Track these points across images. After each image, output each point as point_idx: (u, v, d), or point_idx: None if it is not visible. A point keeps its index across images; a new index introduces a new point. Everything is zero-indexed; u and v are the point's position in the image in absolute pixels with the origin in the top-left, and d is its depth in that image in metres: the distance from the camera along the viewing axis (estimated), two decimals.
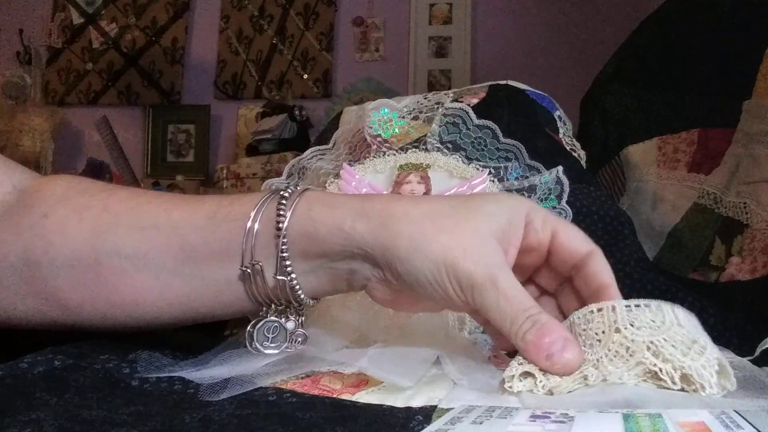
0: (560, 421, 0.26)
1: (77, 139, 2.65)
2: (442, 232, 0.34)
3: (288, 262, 0.36)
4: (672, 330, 0.31)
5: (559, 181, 0.54)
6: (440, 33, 2.46)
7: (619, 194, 0.79)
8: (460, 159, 0.55)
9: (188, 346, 0.40)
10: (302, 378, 0.36)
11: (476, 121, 0.57)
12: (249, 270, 0.37)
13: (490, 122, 0.57)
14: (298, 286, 0.37)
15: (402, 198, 0.39)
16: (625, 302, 0.33)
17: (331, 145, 0.61)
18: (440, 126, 0.58)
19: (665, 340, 0.31)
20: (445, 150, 0.56)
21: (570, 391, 0.32)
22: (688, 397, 0.30)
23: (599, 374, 0.32)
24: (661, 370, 0.31)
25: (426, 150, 0.56)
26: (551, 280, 0.39)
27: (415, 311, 0.43)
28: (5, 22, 2.65)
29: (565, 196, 0.53)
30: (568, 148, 0.64)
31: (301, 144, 2.06)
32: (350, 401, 0.32)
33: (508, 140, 0.57)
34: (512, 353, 0.35)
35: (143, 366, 0.35)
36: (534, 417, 0.27)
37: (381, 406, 0.31)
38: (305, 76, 2.52)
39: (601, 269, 0.36)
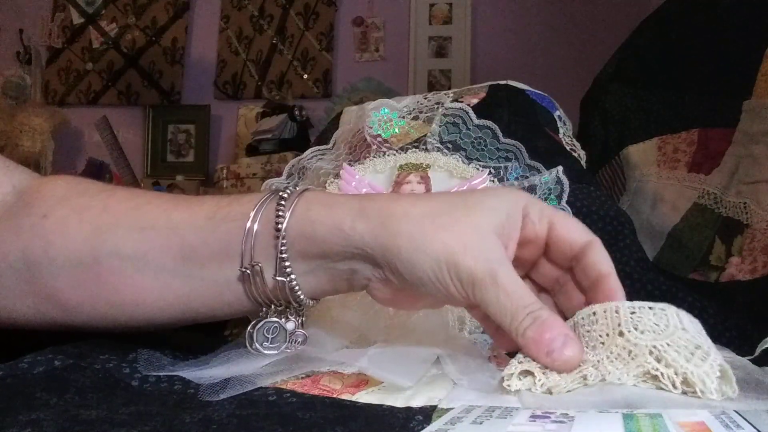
0: (560, 421, 0.26)
1: (77, 139, 2.65)
2: (442, 229, 0.34)
3: (287, 263, 0.36)
4: (676, 334, 0.31)
5: (559, 181, 0.54)
6: (440, 33, 2.47)
7: (619, 194, 0.79)
8: (460, 159, 0.55)
9: (188, 346, 0.40)
10: (302, 378, 0.36)
11: (476, 121, 0.57)
12: (248, 271, 0.37)
13: (490, 122, 0.57)
14: (297, 287, 0.37)
15: (401, 197, 0.39)
16: (629, 304, 0.33)
17: (331, 145, 0.61)
18: (440, 126, 0.58)
19: (668, 344, 0.31)
20: (445, 150, 0.56)
21: (569, 391, 0.32)
22: (688, 398, 0.30)
23: (598, 374, 0.32)
24: (662, 375, 0.31)
25: (426, 150, 0.56)
26: (549, 275, 0.39)
27: (415, 309, 0.43)
28: (5, 22, 2.65)
29: (565, 196, 0.53)
30: (568, 148, 0.64)
31: (301, 144, 2.06)
32: (350, 401, 0.32)
33: (508, 140, 0.57)
34: (512, 353, 0.35)
35: (143, 365, 0.35)
36: (534, 417, 0.27)
37: (381, 406, 0.31)
38: (305, 76, 2.52)
39: (599, 259, 0.36)
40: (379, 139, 0.58)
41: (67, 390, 0.31)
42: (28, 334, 0.39)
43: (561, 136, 0.65)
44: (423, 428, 0.27)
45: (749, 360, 0.39)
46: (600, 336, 0.32)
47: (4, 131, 2.40)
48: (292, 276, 0.37)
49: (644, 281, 0.55)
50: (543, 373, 0.32)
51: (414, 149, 0.56)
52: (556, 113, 0.67)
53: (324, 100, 2.49)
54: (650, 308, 0.33)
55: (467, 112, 0.58)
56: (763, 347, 0.41)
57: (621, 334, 0.32)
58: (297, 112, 2.20)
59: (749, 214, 0.64)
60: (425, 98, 0.61)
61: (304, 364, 0.37)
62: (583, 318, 0.34)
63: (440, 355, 0.39)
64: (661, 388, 0.31)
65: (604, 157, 0.82)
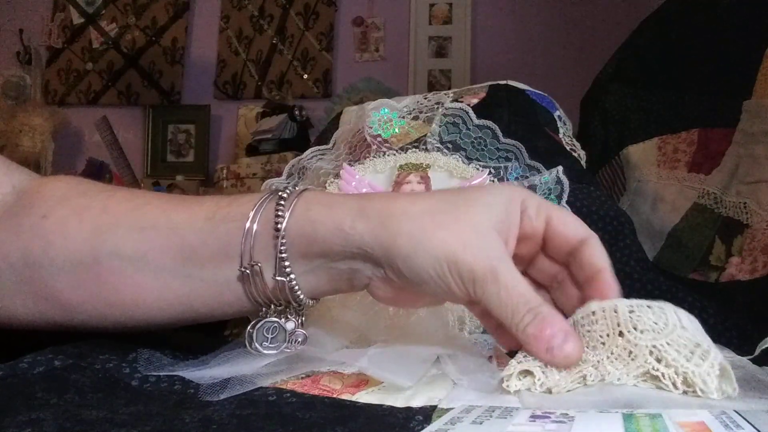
0: (560, 421, 0.26)
1: (77, 139, 2.65)
2: (442, 227, 0.34)
3: (287, 263, 0.36)
4: (675, 333, 0.31)
5: (559, 181, 0.54)
6: (440, 33, 2.46)
7: (619, 194, 0.79)
8: (460, 159, 0.55)
9: (188, 346, 0.40)
10: (302, 378, 0.36)
11: (476, 121, 0.57)
12: (248, 271, 0.37)
13: (490, 122, 0.57)
14: (297, 287, 0.37)
15: (400, 196, 0.39)
16: (627, 302, 0.33)
17: (331, 145, 0.61)
18: (440, 126, 0.58)
19: (668, 344, 0.31)
20: (445, 150, 0.56)
21: (569, 391, 0.32)
22: (688, 398, 0.30)
23: (598, 374, 0.32)
24: (663, 375, 0.31)
25: (426, 150, 0.56)
26: (546, 272, 0.39)
27: (416, 307, 0.43)
28: (5, 22, 2.65)
29: (565, 196, 0.53)
30: (568, 148, 0.64)
31: (301, 144, 2.06)
32: (350, 401, 0.32)
33: (508, 140, 0.57)
34: (512, 352, 0.35)
35: (143, 365, 0.35)
36: (534, 417, 0.27)
37: (381, 406, 0.32)
38: (305, 76, 2.52)
39: (595, 254, 0.36)
40: (379, 139, 0.58)
41: (67, 390, 0.31)
42: (28, 334, 0.39)
43: (561, 136, 0.65)
44: (423, 428, 0.27)
45: (749, 360, 0.39)
46: (600, 336, 0.32)
47: (4, 131, 2.40)
48: (292, 276, 0.37)
49: (644, 281, 0.55)
50: (543, 372, 0.32)
51: (414, 149, 0.56)
52: (556, 113, 0.67)
53: (324, 100, 2.49)
54: (649, 306, 0.33)
55: (467, 112, 0.58)
56: (763, 347, 0.41)
57: (621, 334, 0.32)
58: (297, 112, 2.20)
59: (749, 214, 0.64)
60: (425, 98, 0.61)
61: (304, 364, 0.37)
62: (582, 317, 0.34)
63: (440, 355, 0.39)
64: (661, 388, 0.31)
65: (604, 157, 0.82)
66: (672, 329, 0.31)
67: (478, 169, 0.55)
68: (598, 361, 0.32)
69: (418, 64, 2.46)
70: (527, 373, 0.33)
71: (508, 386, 0.32)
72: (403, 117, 0.59)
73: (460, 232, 0.34)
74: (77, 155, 2.61)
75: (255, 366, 0.36)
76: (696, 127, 0.73)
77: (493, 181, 0.54)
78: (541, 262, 0.39)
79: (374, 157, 0.56)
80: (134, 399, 0.31)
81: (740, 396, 0.30)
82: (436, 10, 2.47)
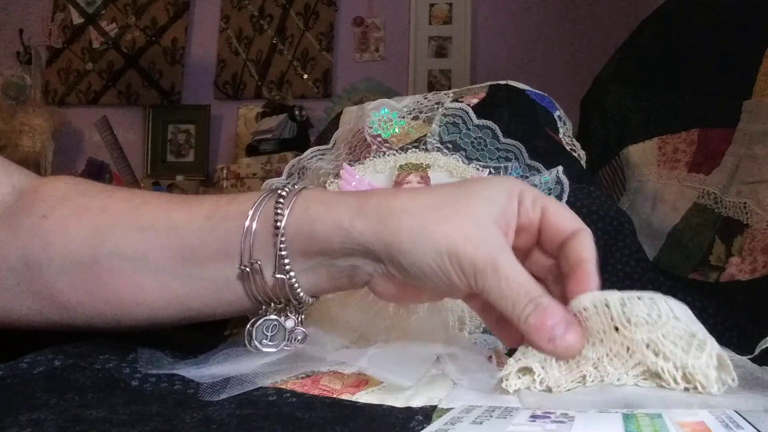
0: (560, 421, 0.26)
1: (77, 139, 2.65)
2: (442, 221, 0.35)
3: (286, 261, 0.36)
4: (669, 324, 0.31)
5: (559, 181, 0.54)
6: (440, 33, 2.46)
7: (619, 194, 0.79)
8: (460, 159, 0.55)
9: (188, 345, 0.40)
10: (302, 378, 0.36)
11: (476, 121, 0.58)
12: (248, 269, 0.37)
13: (490, 122, 0.57)
14: (297, 285, 0.37)
15: (399, 192, 0.39)
16: (618, 295, 0.33)
17: (331, 145, 0.61)
18: (440, 126, 0.58)
19: (663, 336, 0.31)
20: (445, 150, 0.56)
21: (569, 390, 0.32)
22: (688, 397, 0.30)
23: (598, 374, 0.32)
24: (662, 369, 0.31)
25: (426, 150, 0.56)
26: (542, 265, 0.39)
27: (417, 302, 0.43)
28: (5, 22, 2.65)
29: (565, 196, 0.53)
30: (568, 148, 0.64)
31: (301, 144, 2.06)
32: (350, 401, 0.32)
33: (508, 140, 0.57)
34: (511, 352, 0.35)
35: (143, 364, 0.35)
36: (534, 417, 0.27)
37: (381, 406, 0.32)
38: (305, 76, 2.52)
39: (582, 246, 0.36)
40: (379, 139, 0.58)
41: (67, 390, 0.31)
42: (28, 334, 0.39)
43: (561, 136, 0.65)
44: (423, 428, 0.27)
45: (749, 359, 0.39)
46: (598, 333, 0.32)
47: (4, 131, 2.40)
48: (292, 273, 0.37)
49: (644, 281, 0.55)
50: (542, 368, 0.32)
51: (414, 149, 0.56)
52: (556, 113, 0.67)
53: (324, 100, 2.49)
54: (639, 298, 0.32)
55: (467, 112, 0.58)
56: (763, 347, 0.41)
57: (616, 329, 0.32)
58: (297, 112, 2.20)
59: (749, 214, 0.64)
60: (425, 98, 0.62)
61: (304, 363, 0.37)
62: (575, 314, 0.34)
63: (440, 355, 0.39)
64: (662, 386, 0.31)
65: (604, 157, 0.82)
66: (666, 321, 0.31)
67: (478, 169, 0.55)
68: (598, 359, 0.32)
69: (418, 64, 2.46)
70: (526, 371, 0.33)
71: (507, 385, 0.32)
72: (403, 117, 0.59)
73: (460, 225, 0.34)
74: (77, 155, 2.61)
75: (255, 364, 0.36)
76: (696, 127, 0.73)
77: None
78: (537, 254, 0.39)
79: (374, 157, 0.56)
80: (134, 399, 0.31)
81: (740, 395, 0.30)
82: (436, 10, 2.47)
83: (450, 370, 0.37)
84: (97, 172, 2.35)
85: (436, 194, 0.37)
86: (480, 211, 0.35)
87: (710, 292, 0.60)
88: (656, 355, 0.31)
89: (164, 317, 0.39)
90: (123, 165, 2.36)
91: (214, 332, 0.51)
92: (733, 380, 0.30)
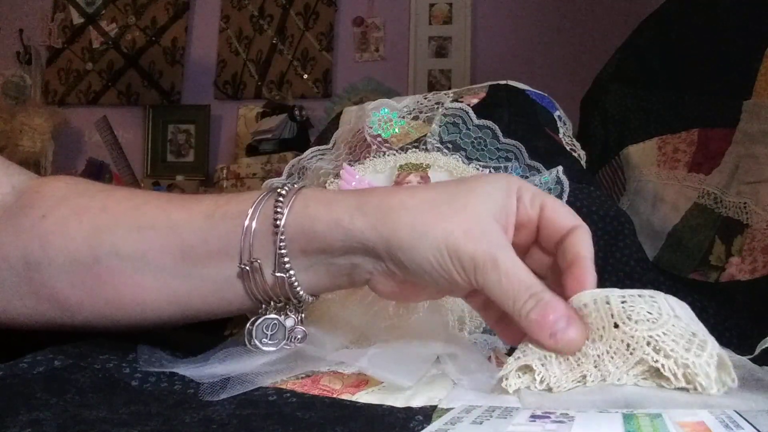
0: (560, 421, 0.26)
1: (77, 139, 2.65)
2: (442, 217, 0.35)
3: (286, 259, 0.37)
4: (670, 323, 0.31)
5: (559, 181, 0.54)
6: (440, 33, 2.46)
7: (619, 194, 0.79)
8: (460, 159, 0.55)
9: (187, 345, 0.40)
10: (302, 378, 0.36)
11: (476, 121, 0.57)
12: (248, 267, 0.37)
13: (490, 122, 0.57)
14: (296, 283, 0.37)
15: (398, 190, 0.39)
16: (619, 292, 0.33)
17: (331, 145, 0.61)
18: (440, 126, 0.58)
19: (665, 333, 0.31)
20: (445, 150, 0.56)
21: (569, 390, 0.32)
22: (688, 397, 0.30)
23: (599, 374, 0.32)
24: (663, 367, 0.31)
25: (426, 150, 0.56)
26: (541, 262, 0.39)
27: (418, 300, 0.43)
28: (5, 22, 2.65)
29: (565, 196, 0.53)
30: (568, 148, 0.64)
31: (301, 144, 2.06)
32: (350, 401, 0.32)
33: (508, 140, 0.57)
34: (511, 351, 0.35)
35: (143, 361, 0.35)
36: (534, 417, 0.27)
37: (381, 406, 0.32)
38: (305, 76, 2.52)
39: (579, 242, 0.36)
40: (379, 139, 0.58)
41: (67, 390, 0.31)
42: (28, 334, 0.39)
43: (561, 136, 0.65)
44: (423, 428, 0.27)
45: (749, 360, 0.39)
46: (598, 329, 0.32)
47: (4, 131, 2.40)
48: (292, 272, 0.37)
49: (644, 281, 0.55)
50: (542, 365, 0.32)
51: (414, 149, 0.56)
52: (556, 113, 0.67)
53: (324, 100, 2.49)
54: (640, 296, 0.33)
55: (467, 112, 0.58)
56: (763, 347, 0.40)
57: (616, 326, 0.32)
58: (297, 112, 2.20)
59: (749, 214, 0.64)
60: (425, 98, 0.61)
61: (304, 363, 0.37)
62: (575, 310, 0.34)
63: (440, 355, 0.39)
64: (662, 386, 0.31)
65: (604, 157, 0.82)
66: (666, 319, 0.31)
67: (478, 169, 0.55)
68: (598, 356, 0.32)
69: (418, 64, 2.46)
70: (526, 369, 0.33)
71: (507, 385, 0.32)
72: (403, 117, 0.59)
73: (460, 222, 0.34)
74: (77, 155, 2.61)
75: (254, 363, 0.36)
76: (696, 127, 0.73)
77: None
78: (536, 251, 0.39)
79: (374, 157, 0.56)
80: (134, 399, 0.31)
81: (740, 395, 0.30)
82: (436, 10, 2.47)
83: (450, 370, 0.37)
84: (97, 172, 2.35)
85: (436, 191, 0.37)
86: (479, 208, 0.35)
87: (710, 292, 0.60)
88: (657, 352, 0.31)
89: (164, 316, 0.39)
90: (123, 165, 2.36)
91: (214, 332, 0.51)
92: (733, 381, 0.30)
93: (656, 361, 0.31)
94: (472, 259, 0.34)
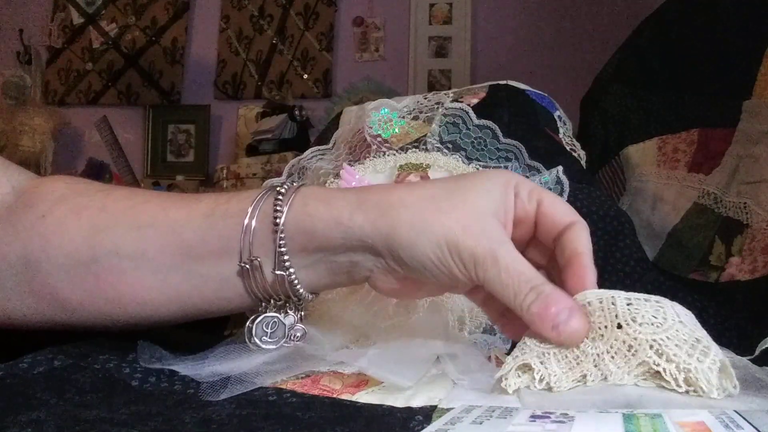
0: (560, 421, 0.26)
1: (77, 139, 2.65)
2: (441, 213, 0.35)
3: (286, 257, 0.37)
4: (674, 328, 0.31)
5: (559, 181, 0.54)
6: (440, 33, 2.46)
7: (619, 194, 0.79)
8: (460, 159, 0.55)
9: (187, 344, 0.40)
10: (302, 378, 0.36)
11: (476, 121, 0.57)
12: (247, 266, 0.37)
13: (490, 122, 0.57)
14: (296, 281, 0.37)
15: (396, 187, 0.39)
16: (625, 295, 0.33)
17: (331, 145, 0.61)
18: (440, 126, 0.58)
19: (668, 338, 0.31)
20: (445, 150, 0.56)
21: (569, 389, 0.32)
22: (688, 397, 0.30)
23: (599, 373, 0.32)
24: (665, 371, 0.31)
25: (426, 150, 0.56)
26: (540, 256, 0.39)
27: (418, 298, 0.43)
28: (5, 22, 2.65)
29: (565, 196, 0.53)
30: (568, 148, 0.64)
31: (301, 144, 2.06)
32: (350, 401, 0.32)
33: (508, 140, 0.57)
34: (512, 351, 0.35)
35: (143, 357, 0.35)
36: (534, 417, 0.27)
37: (381, 406, 0.31)
38: (305, 76, 2.52)
39: (578, 238, 0.36)
40: (379, 139, 0.58)
41: (67, 390, 0.31)
42: (28, 334, 0.39)
43: (561, 136, 0.65)
44: (423, 428, 0.27)
45: (749, 360, 0.39)
46: (599, 328, 0.32)
47: (4, 131, 2.40)
48: (291, 270, 0.37)
49: (644, 281, 0.55)
50: (541, 363, 0.32)
51: (414, 149, 0.56)
52: (556, 113, 0.67)
53: (324, 100, 2.49)
54: (646, 300, 0.33)
55: (467, 112, 0.58)
56: (763, 347, 0.40)
57: (619, 326, 0.32)
58: (297, 112, 2.20)
59: (749, 214, 0.64)
60: (425, 98, 0.61)
61: (304, 363, 0.37)
62: (577, 302, 0.34)
63: (440, 355, 0.39)
64: (663, 386, 0.31)
65: (604, 157, 0.82)
66: (671, 324, 0.31)
67: (478, 169, 0.55)
68: (598, 355, 0.32)
69: (418, 64, 2.46)
70: (525, 368, 0.33)
71: (506, 385, 0.32)
72: (403, 117, 0.59)
73: (459, 217, 0.35)
74: (77, 155, 2.61)
75: (254, 362, 0.36)
76: (696, 127, 0.73)
77: None
78: (534, 247, 0.39)
79: (374, 157, 0.56)
80: (134, 399, 0.31)
81: (740, 396, 0.30)
82: (436, 10, 2.47)
83: (450, 370, 0.37)
84: (97, 172, 2.35)
85: (434, 188, 0.37)
86: (478, 203, 0.35)
87: (710, 292, 0.60)
88: (659, 356, 0.31)
89: (164, 315, 0.39)
90: (123, 165, 2.36)
91: (214, 331, 0.51)
92: (735, 387, 0.30)
93: (658, 365, 0.31)
94: (472, 254, 0.34)
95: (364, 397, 0.33)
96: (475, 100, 0.61)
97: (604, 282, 0.36)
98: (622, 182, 0.79)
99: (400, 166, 0.55)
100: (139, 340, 0.38)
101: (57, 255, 0.38)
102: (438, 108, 0.59)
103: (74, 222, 0.38)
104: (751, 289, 0.60)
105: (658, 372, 0.31)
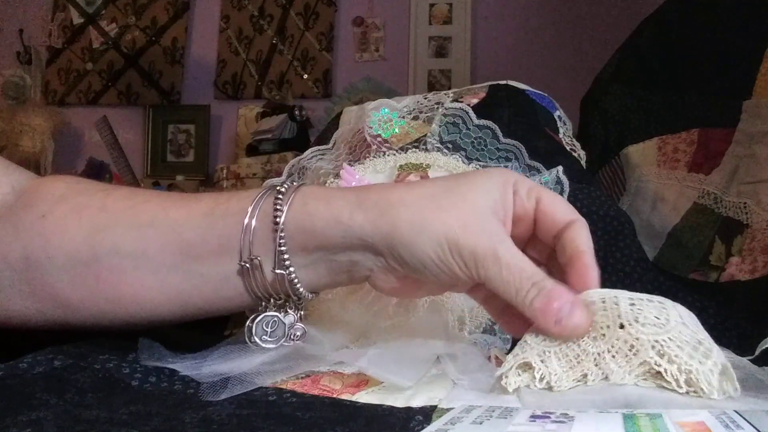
0: (560, 421, 0.26)
1: (77, 139, 2.65)
2: (441, 212, 0.35)
3: (286, 256, 0.37)
4: (677, 329, 0.31)
5: (559, 181, 0.54)
6: (440, 33, 2.46)
7: (619, 194, 0.79)
8: (460, 159, 0.55)
9: (187, 344, 0.40)
10: (302, 378, 0.36)
11: (476, 121, 0.57)
12: (248, 265, 0.37)
13: (490, 122, 0.57)
14: (296, 280, 0.37)
15: (396, 185, 0.39)
16: (628, 295, 0.33)
17: (331, 145, 0.61)
18: (440, 126, 0.58)
19: (671, 339, 0.31)
20: (445, 150, 0.56)
21: (569, 389, 0.32)
22: (689, 398, 0.30)
23: (600, 372, 0.32)
24: (666, 371, 0.31)
25: (426, 150, 0.56)
26: (539, 255, 0.39)
27: (418, 297, 0.43)
28: (5, 22, 2.65)
29: (565, 196, 0.53)
30: (568, 148, 0.64)
31: (301, 144, 2.06)
32: (350, 401, 0.32)
33: (508, 140, 0.57)
34: (511, 351, 0.35)
35: (143, 355, 0.35)
36: (534, 417, 0.27)
37: (381, 406, 0.31)
38: (305, 76, 2.52)
39: (578, 236, 0.36)
40: (379, 139, 0.58)
41: (67, 390, 0.31)
42: (28, 334, 0.39)
43: (561, 136, 0.65)
44: (423, 428, 0.27)
45: (749, 360, 0.39)
46: (601, 328, 0.32)
47: (4, 131, 2.40)
48: (291, 269, 0.37)
49: (644, 281, 0.55)
50: (541, 361, 0.32)
51: (414, 149, 0.56)
52: (556, 113, 0.67)
53: (324, 100, 2.49)
54: (650, 301, 0.33)
55: (467, 112, 0.58)
56: (763, 347, 0.41)
57: (622, 326, 0.32)
58: (297, 112, 2.20)
59: (749, 214, 0.64)
60: (425, 98, 0.61)
61: (304, 363, 0.37)
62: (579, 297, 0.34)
63: (440, 355, 0.39)
64: (663, 387, 0.31)
65: (604, 157, 0.82)
66: (674, 325, 0.31)
67: (478, 169, 0.55)
68: (599, 354, 0.32)
69: (418, 64, 2.46)
70: (525, 367, 0.33)
71: (506, 384, 0.32)
72: (403, 117, 0.59)
73: (459, 215, 0.35)
74: (77, 155, 2.61)
75: (254, 362, 0.36)
76: (696, 127, 0.73)
77: None
78: (534, 245, 0.39)
79: (374, 157, 0.56)
80: (134, 399, 0.31)
81: (740, 396, 0.30)
82: (436, 10, 2.47)
83: (450, 370, 0.37)
84: (97, 172, 2.35)
85: (434, 186, 0.37)
86: (477, 201, 0.35)
87: (710, 292, 0.60)
88: (661, 356, 0.31)
89: (164, 314, 0.39)
90: (123, 165, 2.36)
91: (214, 331, 0.51)
92: (735, 390, 0.30)
93: (659, 366, 0.31)
94: (473, 252, 0.34)
95: (364, 397, 0.33)
96: (475, 100, 0.61)
97: (604, 282, 0.36)
98: (622, 182, 0.79)
99: (400, 166, 0.55)
100: (140, 339, 0.38)
101: (57, 255, 0.38)
102: (438, 108, 0.59)
103: (74, 222, 0.38)
104: (751, 289, 0.60)
105: (658, 372, 0.31)
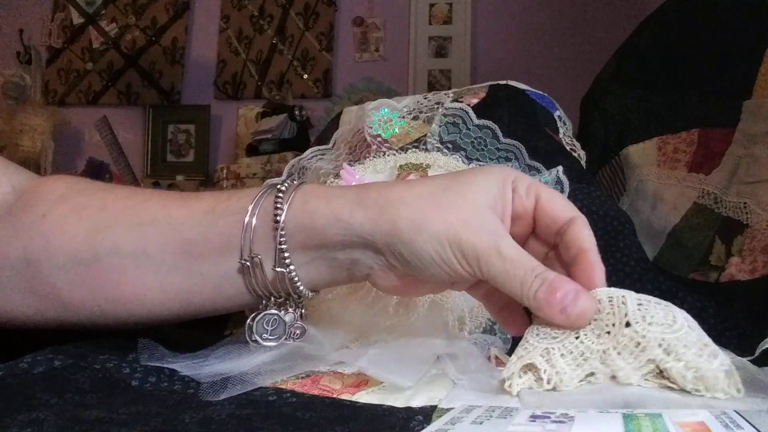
0: (560, 421, 0.26)
1: (77, 139, 2.65)
2: (441, 209, 0.35)
3: (286, 254, 0.37)
4: (683, 330, 0.31)
5: (559, 181, 0.54)
6: (440, 33, 2.46)
7: (619, 194, 0.79)
8: (460, 159, 0.55)
9: (188, 344, 0.40)
10: (302, 378, 0.36)
11: (476, 121, 0.57)
12: (248, 263, 0.37)
13: (490, 122, 0.57)
14: (297, 278, 0.37)
15: (396, 183, 0.39)
16: (636, 295, 0.33)
17: (331, 145, 0.61)
18: (440, 126, 0.58)
19: (677, 339, 0.31)
20: (445, 150, 0.56)
21: (575, 387, 0.32)
22: (688, 397, 0.30)
23: (608, 370, 0.32)
24: (672, 369, 0.31)
25: (426, 150, 0.56)
26: (537, 253, 0.39)
27: (419, 295, 0.43)
28: (5, 22, 2.65)
29: (564, 196, 0.53)
30: (568, 148, 0.64)
31: (301, 144, 2.06)
32: (350, 401, 0.32)
33: (508, 140, 0.57)
34: (512, 352, 0.35)
35: (143, 355, 0.35)
36: (534, 417, 0.27)
37: (381, 406, 0.31)
38: (305, 76, 2.52)
39: (581, 234, 0.36)
40: (379, 139, 0.58)
41: (67, 390, 0.31)
42: (28, 334, 0.39)
43: (561, 136, 0.65)
44: (423, 428, 0.27)
45: (749, 360, 0.39)
46: (606, 325, 0.32)
47: (4, 131, 2.40)
48: (292, 267, 0.37)
49: (644, 281, 0.55)
50: (546, 361, 0.32)
51: (414, 149, 0.56)
52: (556, 113, 0.67)
53: (324, 100, 2.49)
54: (657, 303, 0.33)
55: (467, 112, 0.58)
56: (763, 347, 0.40)
57: (628, 324, 0.32)
58: (297, 112, 2.20)
59: (749, 214, 0.64)
60: (425, 98, 0.61)
61: (304, 363, 0.37)
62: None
63: (440, 355, 0.39)
64: (666, 386, 0.31)
65: (604, 157, 0.82)
66: (680, 327, 0.32)
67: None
68: (605, 351, 0.32)
69: (418, 64, 2.46)
70: (527, 369, 0.33)
71: (509, 387, 0.32)
72: (403, 117, 0.59)
73: (459, 212, 0.35)
74: (77, 155, 2.61)
75: (254, 361, 0.36)
76: (696, 127, 0.73)
77: None
78: (532, 244, 0.39)
79: (374, 157, 0.56)
80: (134, 399, 0.31)
81: (741, 396, 0.30)
82: (436, 10, 2.47)
83: (450, 370, 0.37)
84: (97, 172, 2.35)
85: (433, 184, 0.37)
86: (477, 198, 0.35)
87: (710, 292, 0.60)
88: (668, 354, 0.31)
89: (165, 313, 0.39)
90: (123, 165, 2.36)
91: (214, 331, 0.51)
92: (739, 392, 0.30)
93: (666, 363, 0.31)
94: (474, 249, 0.34)
95: (364, 397, 0.33)
96: (475, 100, 0.61)
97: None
98: (622, 182, 0.79)
99: (400, 166, 0.55)
100: (139, 338, 0.38)
101: (58, 254, 0.38)
102: (438, 108, 0.59)
103: (75, 221, 0.38)
104: (751, 289, 0.60)
105: (661, 372, 0.31)
